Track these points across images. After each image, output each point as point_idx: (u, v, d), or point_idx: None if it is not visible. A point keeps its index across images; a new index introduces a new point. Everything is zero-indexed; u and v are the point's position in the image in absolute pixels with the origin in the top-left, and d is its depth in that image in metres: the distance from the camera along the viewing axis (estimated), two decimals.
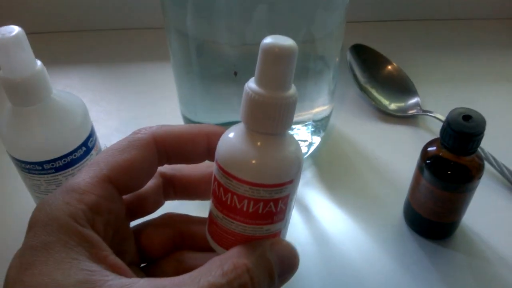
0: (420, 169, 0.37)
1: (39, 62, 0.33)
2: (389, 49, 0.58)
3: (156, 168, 0.27)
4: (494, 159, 0.45)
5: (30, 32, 0.32)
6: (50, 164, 0.35)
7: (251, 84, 0.24)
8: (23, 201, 0.42)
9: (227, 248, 0.27)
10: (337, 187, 0.45)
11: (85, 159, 0.36)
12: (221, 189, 0.25)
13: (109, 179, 0.24)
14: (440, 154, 0.36)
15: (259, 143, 0.24)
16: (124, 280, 0.20)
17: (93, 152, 0.37)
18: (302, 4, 0.35)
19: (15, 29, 0.30)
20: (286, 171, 0.25)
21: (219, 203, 0.26)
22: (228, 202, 0.25)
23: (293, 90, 0.24)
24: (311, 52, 0.39)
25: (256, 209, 0.25)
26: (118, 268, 0.22)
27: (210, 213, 0.27)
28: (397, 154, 0.48)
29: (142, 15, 0.65)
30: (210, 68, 0.40)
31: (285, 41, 0.23)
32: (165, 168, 0.28)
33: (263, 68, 0.24)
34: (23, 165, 0.35)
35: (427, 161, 0.36)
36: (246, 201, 0.25)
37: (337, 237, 0.41)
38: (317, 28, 0.37)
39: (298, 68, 0.39)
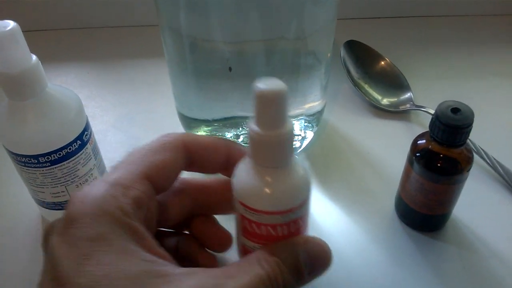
0: (410, 162, 0.38)
1: (34, 57, 0.33)
2: (382, 45, 0.58)
3: (181, 171, 0.28)
4: (485, 152, 0.46)
5: (26, 30, 0.32)
6: (46, 157, 0.35)
7: (251, 124, 0.27)
8: (19, 193, 0.43)
9: None
10: (329, 180, 0.46)
11: (81, 152, 0.37)
12: (253, 224, 0.29)
13: (146, 177, 0.25)
14: (430, 147, 0.36)
15: (269, 177, 0.28)
16: (183, 270, 0.21)
17: (88, 145, 0.38)
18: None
19: (10, 24, 0.31)
20: (296, 195, 0.29)
21: (253, 236, 0.30)
22: (264, 233, 0.29)
23: (287, 126, 0.27)
24: (302, 48, 0.39)
25: (289, 231, 0.30)
26: (164, 257, 0.22)
27: (244, 246, 0.31)
28: (389, 148, 0.49)
29: (136, 12, 0.65)
30: (204, 64, 0.41)
31: (275, 85, 0.26)
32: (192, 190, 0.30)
33: (258, 110, 0.26)
34: (19, 158, 0.35)
35: (417, 154, 0.37)
36: (279, 227, 0.29)
37: (329, 230, 0.41)
38: (308, 23, 0.38)
39: (290, 63, 0.40)
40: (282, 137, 0.27)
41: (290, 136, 0.27)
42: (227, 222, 0.33)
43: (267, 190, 0.28)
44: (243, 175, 0.29)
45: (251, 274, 0.23)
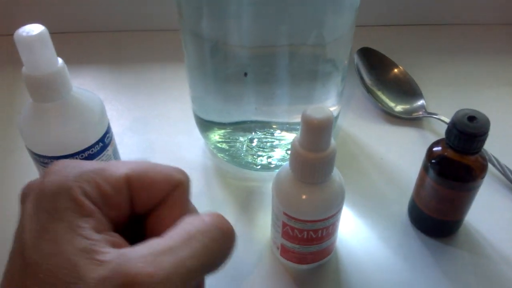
0: (425, 168, 0.38)
1: (60, 60, 0.34)
2: (395, 53, 0.59)
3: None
4: (497, 160, 0.46)
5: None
6: (68, 159, 0.36)
7: (297, 145, 0.30)
8: None
9: (307, 263, 0.38)
10: None
11: (102, 155, 0.37)
12: (296, 230, 0.34)
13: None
14: (445, 154, 0.37)
15: (312, 192, 0.32)
16: (121, 250, 0.21)
17: (109, 148, 0.38)
18: (312, 7, 0.37)
19: (39, 28, 0.32)
20: (336, 204, 0.33)
21: (294, 239, 0.35)
22: (305, 237, 0.34)
23: (330, 147, 0.30)
24: (321, 55, 0.40)
25: (327, 232, 0.35)
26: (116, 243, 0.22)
27: (283, 246, 0.37)
28: (402, 155, 0.49)
29: (154, 17, 0.66)
30: (224, 69, 0.41)
31: (322, 113, 0.28)
32: None
33: (306, 135, 0.29)
34: (41, 159, 0.36)
35: (433, 161, 0.38)
36: (320, 231, 0.34)
37: (343, 234, 0.42)
38: (327, 31, 0.38)
39: (308, 69, 0.40)
40: (326, 159, 0.30)
41: (333, 157, 0.30)
42: None
43: (310, 204, 0.32)
44: (287, 190, 0.33)
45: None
